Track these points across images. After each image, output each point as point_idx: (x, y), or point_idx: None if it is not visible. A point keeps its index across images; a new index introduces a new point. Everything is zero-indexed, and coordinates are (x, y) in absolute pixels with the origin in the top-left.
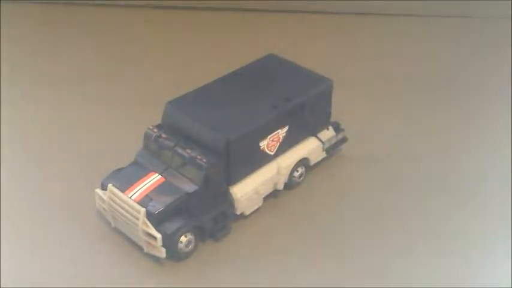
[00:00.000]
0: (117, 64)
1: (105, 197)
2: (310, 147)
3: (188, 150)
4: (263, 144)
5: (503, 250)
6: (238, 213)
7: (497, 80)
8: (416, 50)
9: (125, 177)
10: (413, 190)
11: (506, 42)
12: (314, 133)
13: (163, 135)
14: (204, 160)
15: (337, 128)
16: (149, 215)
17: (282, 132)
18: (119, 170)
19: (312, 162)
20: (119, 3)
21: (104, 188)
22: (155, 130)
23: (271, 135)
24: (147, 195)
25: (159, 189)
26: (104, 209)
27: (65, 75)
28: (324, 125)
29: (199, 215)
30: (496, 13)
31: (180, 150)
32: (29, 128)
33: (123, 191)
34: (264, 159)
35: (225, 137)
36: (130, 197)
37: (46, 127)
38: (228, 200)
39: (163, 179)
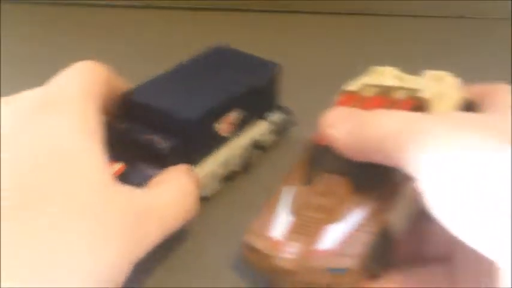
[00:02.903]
0: (117, 64)
1: None
2: (261, 130)
3: (148, 136)
4: (218, 127)
5: None
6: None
7: (497, 80)
8: (416, 50)
9: None
10: None
11: (506, 42)
12: (264, 116)
13: (121, 125)
14: (165, 144)
15: (286, 112)
16: None
17: (234, 115)
18: None
19: (263, 144)
20: (119, 3)
21: None
22: (112, 120)
23: (226, 118)
24: None
25: (122, 177)
26: None
27: None
28: (273, 108)
29: None
30: (496, 13)
31: (139, 137)
32: None
33: None
34: (219, 142)
35: (183, 119)
36: None
37: None
38: None
39: (124, 166)
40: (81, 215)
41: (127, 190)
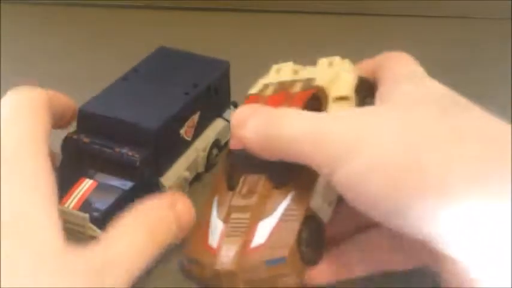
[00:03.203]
0: (117, 64)
1: None
2: (219, 128)
3: (116, 149)
4: (182, 131)
5: None
6: None
7: (497, 80)
8: (415, 50)
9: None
10: None
11: (506, 42)
12: (220, 114)
13: (85, 139)
14: (136, 155)
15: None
16: (93, 219)
17: (195, 117)
18: None
19: (223, 142)
20: (119, 3)
21: None
22: (74, 136)
23: (188, 121)
24: (85, 200)
25: (95, 193)
26: None
27: (65, 75)
28: (227, 105)
29: None
30: (496, 13)
31: (107, 151)
32: None
33: (58, 202)
34: (184, 145)
35: (150, 128)
36: (68, 207)
37: None
38: (159, 191)
39: (96, 183)
40: None
41: (81, 251)
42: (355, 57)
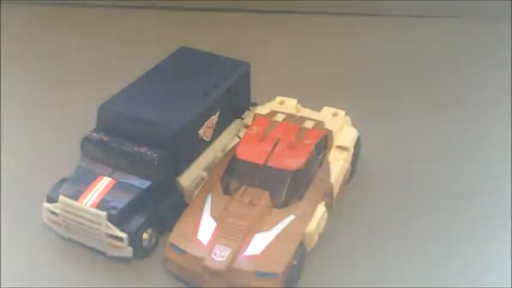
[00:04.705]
0: (118, 65)
1: (56, 210)
2: (238, 129)
3: (135, 148)
4: (201, 131)
5: (503, 251)
6: (187, 201)
7: (497, 80)
8: (415, 50)
9: (73, 186)
10: None
11: (506, 42)
12: (239, 115)
13: (105, 138)
14: (155, 154)
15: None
16: (110, 217)
17: (214, 118)
18: (63, 180)
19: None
20: (119, 3)
21: (51, 200)
22: (94, 134)
23: (207, 121)
24: (102, 198)
25: (113, 191)
26: (54, 222)
27: (65, 75)
28: (246, 107)
29: (156, 210)
30: (496, 13)
31: (126, 149)
32: (29, 127)
33: (75, 199)
34: (202, 146)
35: (170, 128)
36: (86, 204)
37: (46, 127)
38: (177, 191)
39: (114, 181)
40: None
41: None
42: (355, 57)
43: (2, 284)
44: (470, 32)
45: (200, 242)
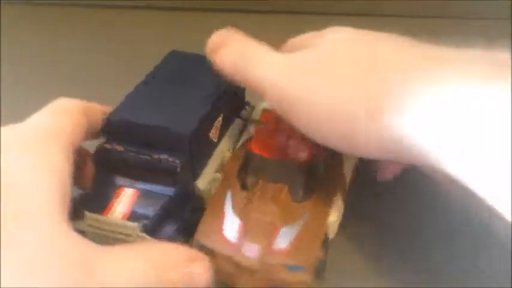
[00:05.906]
0: (118, 65)
1: (82, 227)
2: (239, 127)
3: (154, 156)
4: (211, 133)
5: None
6: (206, 205)
7: None
8: None
9: (94, 201)
10: None
11: (506, 42)
12: (239, 114)
13: (119, 148)
14: (177, 160)
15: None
16: (144, 228)
17: (220, 118)
18: (82, 195)
19: (242, 140)
20: (119, 3)
21: (74, 218)
22: (107, 146)
23: (215, 122)
24: (131, 210)
25: (139, 201)
26: None
27: (65, 76)
28: (243, 105)
29: (181, 215)
30: (496, 13)
31: (145, 158)
32: None
33: (101, 214)
34: (212, 147)
35: (185, 133)
36: (114, 218)
37: None
38: (195, 195)
39: (137, 191)
40: (26, 268)
41: (77, 241)
42: None
43: (1, 284)
44: (470, 32)
45: (227, 239)
